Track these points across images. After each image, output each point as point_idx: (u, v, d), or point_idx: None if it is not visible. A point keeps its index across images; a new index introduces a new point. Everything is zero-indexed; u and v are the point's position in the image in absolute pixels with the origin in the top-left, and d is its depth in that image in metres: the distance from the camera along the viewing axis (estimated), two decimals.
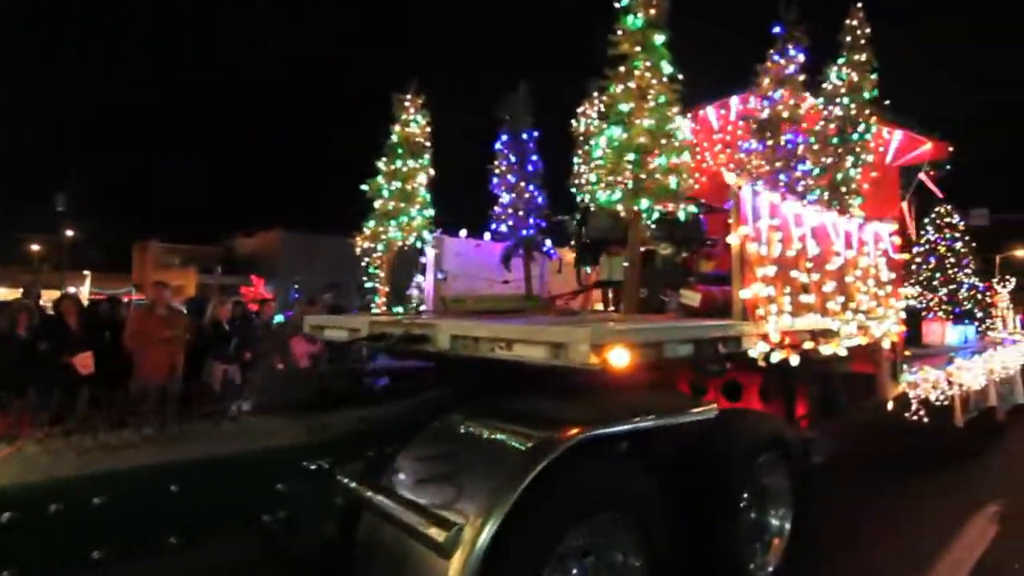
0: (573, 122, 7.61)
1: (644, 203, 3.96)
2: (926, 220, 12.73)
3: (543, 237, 7.09)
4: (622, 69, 4.11)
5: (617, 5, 4.14)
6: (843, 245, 5.35)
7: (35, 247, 45.75)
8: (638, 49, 4.09)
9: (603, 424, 3.18)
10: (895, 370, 6.45)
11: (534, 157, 7.00)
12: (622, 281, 5.38)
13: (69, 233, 43.11)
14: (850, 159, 6.24)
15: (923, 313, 12.08)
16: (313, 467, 3.34)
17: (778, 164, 5.71)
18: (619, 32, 4.18)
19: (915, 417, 6.78)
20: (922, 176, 6.32)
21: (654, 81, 4.05)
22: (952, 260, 12.32)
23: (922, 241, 12.68)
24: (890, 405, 6.52)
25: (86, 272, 44.75)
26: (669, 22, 4.10)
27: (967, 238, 12.45)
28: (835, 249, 5.21)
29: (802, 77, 5.94)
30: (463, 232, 7.13)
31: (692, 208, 4.48)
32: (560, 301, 6.56)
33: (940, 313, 12.09)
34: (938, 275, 12.35)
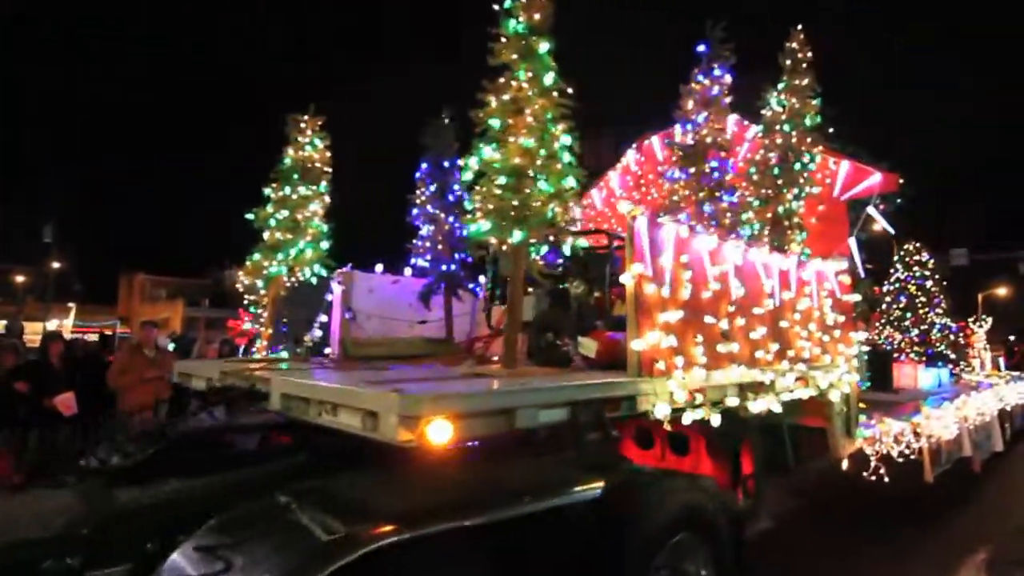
0: None
1: (517, 235, 3.27)
2: (895, 258, 12.10)
3: (467, 272, 6.36)
4: (501, 80, 3.47)
5: (496, 7, 3.51)
6: (778, 285, 4.64)
7: (19, 278, 44.81)
8: (517, 57, 3.45)
9: (418, 524, 2.39)
10: (849, 424, 5.67)
11: (456, 186, 6.32)
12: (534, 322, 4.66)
13: (55, 265, 42.32)
14: (793, 191, 5.59)
15: (894, 355, 11.35)
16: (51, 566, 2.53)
17: (702, 194, 5.06)
18: (501, 39, 3.55)
19: (874, 477, 5.97)
20: (871, 210, 5.70)
21: (531, 93, 3.39)
22: (923, 299, 11.63)
23: (892, 280, 12.03)
24: (844, 464, 5.73)
25: (71, 304, 43.78)
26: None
27: (937, 276, 11.79)
28: (767, 290, 4.49)
29: (728, 99, 5.34)
30: (379, 267, 6.40)
31: (581, 243, 3.79)
32: (479, 344, 5.80)
33: (912, 355, 11.34)
34: (909, 315, 11.65)
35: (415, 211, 6.37)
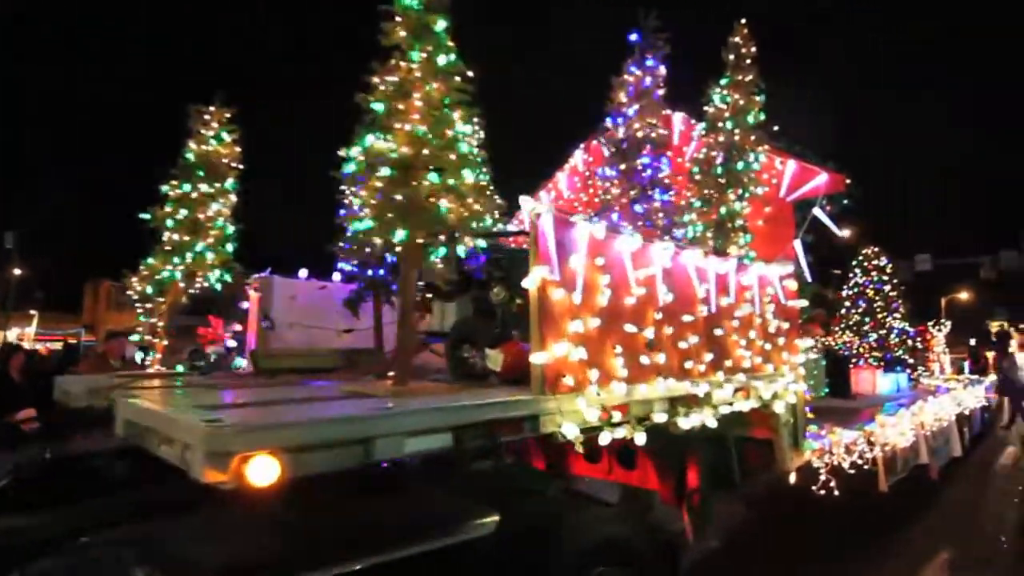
0: None
1: (400, 233, 2.85)
2: (854, 263, 11.92)
3: (396, 277, 5.91)
4: (392, 62, 3.04)
5: None
6: (714, 290, 4.28)
7: None
8: (409, 36, 3.03)
9: None
10: (796, 436, 5.33)
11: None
12: (453, 331, 4.23)
13: (16, 272, 40.77)
14: (737, 191, 5.25)
15: (852, 361, 11.14)
16: None
17: (633, 192, 4.69)
18: (395, 18, 3.13)
19: (823, 491, 5.64)
20: (817, 211, 5.41)
21: (423, 75, 2.97)
22: (881, 304, 11.46)
23: (851, 284, 11.84)
24: (792, 477, 5.38)
25: (32, 312, 42.19)
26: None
27: (896, 280, 11.63)
28: (701, 295, 4.13)
29: (662, 91, 4.99)
30: (302, 272, 5.91)
31: (480, 243, 3.37)
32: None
33: (871, 360, 11.14)
34: (868, 320, 11.46)
35: (342, 211, 5.91)
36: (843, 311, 11.85)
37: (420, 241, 2.91)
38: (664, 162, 4.92)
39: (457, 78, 3.14)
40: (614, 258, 3.43)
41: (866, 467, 6.75)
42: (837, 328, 11.88)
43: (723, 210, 5.17)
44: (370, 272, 5.77)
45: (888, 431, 7.45)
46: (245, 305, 5.47)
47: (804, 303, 5.41)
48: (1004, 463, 12.07)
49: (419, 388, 3.02)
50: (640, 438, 3.42)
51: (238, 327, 5.47)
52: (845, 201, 5.52)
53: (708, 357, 4.14)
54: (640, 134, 4.74)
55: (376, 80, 2.99)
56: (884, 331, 11.32)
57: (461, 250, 3.18)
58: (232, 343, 5.48)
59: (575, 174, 7.31)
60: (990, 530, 7.56)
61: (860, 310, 11.58)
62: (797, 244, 5.35)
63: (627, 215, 4.54)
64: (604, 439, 3.26)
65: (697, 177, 5.32)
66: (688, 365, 3.89)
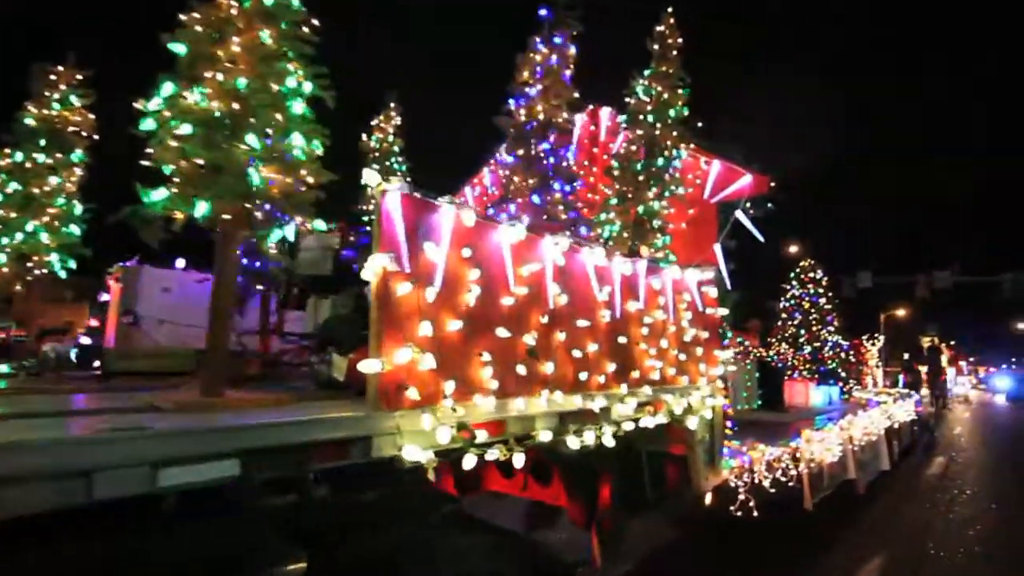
0: (364, 136, 5.96)
1: (202, 207, 2.27)
2: (791, 275, 11.79)
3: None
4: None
5: None
6: (619, 294, 3.82)
7: None
8: None
9: None
10: (713, 453, 4.92)
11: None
12: (330, 332, 3.64)
13: None
14: (655, 188, 4.82)
15: (787, 373, 10.98)
16: None
17: (531, 181, 4.20)
18: None
19: (740, 512, 5.25)
20: (739, 214, 5.07)
21: (239, 14, 2.39)
22: (816, 316, 11.34)
23: (787, 296, 11.71)
24: (708, 497, 4.97)
25: None
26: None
27: (831, 294, 11.54)
28: (602, 298, 3.65)
29: (569, 71, 4.54)
30: (180, 262, 5.20)
31: (319, 225, 2.80)
32: (288, 355, 4.70)
33: (805, 373, 10.98)
34: (803, 332, 11.32)
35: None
36: (779, 323, 11.69)
37: (227, 217, 2.33)
38: (570, 151, 4.46)
39: (303, 28, 2.58)
40: (490, 251, 2.91)
41: (790, 484, 6.44)
42: (774, 339, 11.71)
43: (641, 209, 4.73)
44: (257, 264, 5.11)
45: (815, 447, 7.18)
46: (105, 297, 4.75)
47: (724, 312, 5.02)
48: (933, 472, 12.19)
49: (227, 400, 2.43)
50: (518, 459, 2.91)
51: (94, 322, 4.75)
52: (769, 204, 5.19)
53: (610, 367, 3.67)
54: (542, 117, 4.26)
55: (186, 18, 2.40)
56: (819, 344, 11.20)
57: (290, 232, 2.61)
58: (86, 340, 4.75)
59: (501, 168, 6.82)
60: (918, 538, 7.46)
61: (796, 322, 11.44)
62: (717, 248, 4.99)
63: (526, 207, 4.05)
64: (468, 463, 2.73)
65: (616, 173, 4.88)
66: (584, 377, 3.40)
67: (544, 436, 3.16)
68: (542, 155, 4.21)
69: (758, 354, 9.60)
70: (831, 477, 7.93)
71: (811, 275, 11.60)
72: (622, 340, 3.77)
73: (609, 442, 3.57)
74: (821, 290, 11.53)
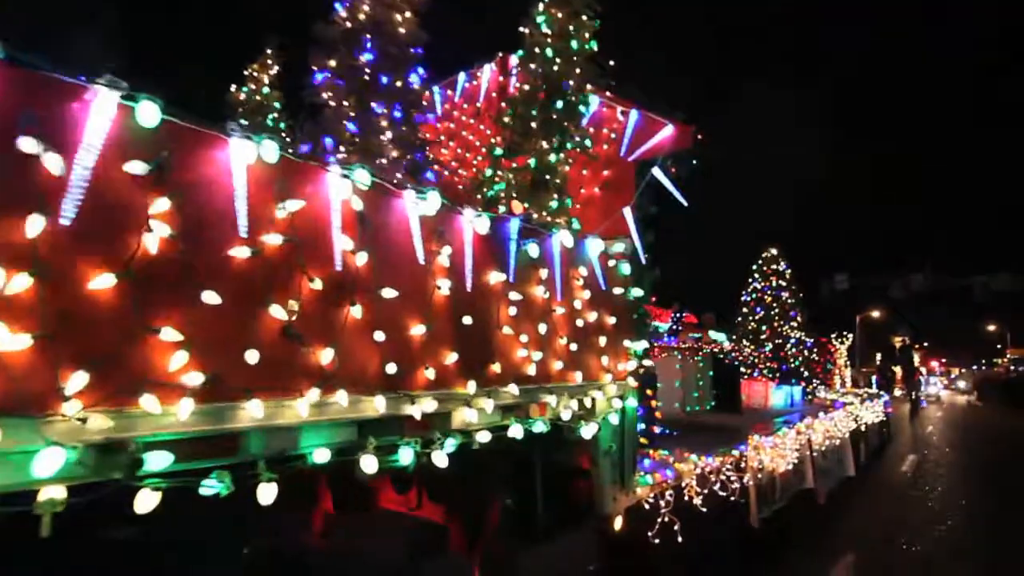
0: (233, 86, 4.89)
1: None
2: (753, 267, 10.85)
3: None
4: None
5: None
6: (470, 261, 2.78)
7: None
8: None
9: None
10: (623, 469, 3.91)
11: None
12: None
13: None
14: (554, 138, 3.81)
15: (747, 372, 10.03)
16: None
17: (347, 103, 3.14)
18: None
19: (658, 539, 4.22)
20: (657, 172, 4.07)
21: None
22: (779, 311, 10.40)
23: (749, 290, 10.76)
24: (618, 522, 3.95)
25: None
26: None
27: (794, 287, 10.61)
28: (440, 265, 2.62)
29: None
30: None
31: None
32: None
33: (766, 372, 10.03)
34: (764, 328, 10.38)
35: None
36: (739, 318, 10.75)
37: None
38: (415, 75, 3.40)
39: None
40: (203, 175, 1.86)
41: (732, 499, 5.45)
42: (734, 335, 10.77)
43: (532, 161, 3.70)
44: None
45: (765, 454, 6.21)
46: None
47: (639, 293, 4.01)
48: (904, 470, 11.83)
49: None
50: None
51: None
52: (694, 161, 4.21)
53: (449, 358, 2.63)
54: (363, 16, 3.18)
55: None
56: (780, 341, 10.26)
57: None
58: None
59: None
60: (891, 536, 7.20)
61: (757, 317, 10.50)
62: (628, 214, 3.98)
63: (335, 131, 3.00)
64: (146, 505, 1.69)
65: (507, 119, 3.85)
66: (394, 370, 2.36)
67: (320, 455, 2.12)
68: (359, 63, 3.11)
69: (711, 351, 8.64)
70: (785, 488, 6.98)
71: (774, 267, 10.66)
72: (471, 322, 2.74)
73: (441, 461, 2.54)
74: (784, 283, 10.59)
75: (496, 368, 2.88)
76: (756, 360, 10.12)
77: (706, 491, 4.93)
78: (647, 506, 4.17)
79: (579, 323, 3.47)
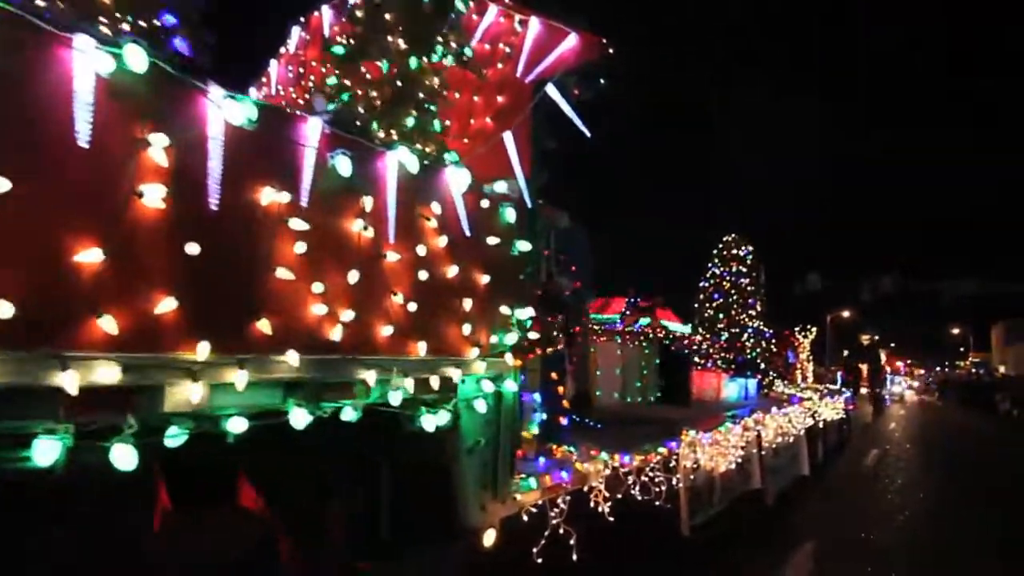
0: None
1: None
2: (713, 251, 10.03)
3: None
4: None
5: None
6: (217, 171, 1.84)
7: None
8: None
9: None
10: (496, 471, 3.01)
11: None
12: None
13: None
14: (419, 45, 2.86)
15: (700, 363, 9.23)
16: None
17: None
18: None
19: (541, 558, 3.34)
20: (553, 91, 3.16)
21: None
22: (737, 298, 9.60)
23: (707, 275, 9.95)
24: (490, 537, 3.05)
25: None
26: None
27: (755, 274, 9.82)
28: (154, 166, 1.67)
29: None
30: None
31: None
32: None
33: (720, 363, 9.24)
34: (722, 316, 9.58)
35: None
36: (695, 304, 9.95)
37: None
38: None
39: None
40: None
41: (659, 503, 4.61)
42: (692, 325, 9.97)
43: (383, 64, 2.75)
44: None
45: (700, 453, 5.38)
46: None
47: (526, 247, 3.09)
48: (868, 464, 11.53)
49: None
50: None
51: None
52: (602, 81, 3.33)
53: (163, 305, 1.69)
54: None
55: None
56: (737, 330, 9.46)
57: None
58: None
59: (290, 61, 4.78)
60: (851, 525, 7.01)
61: (714, 304, 9.70)
62: (509, 142, 3.06)
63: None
64: None
65: (359, 14, 2.89)
66: (21, 314, 1.43)
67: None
68: None
69: (654, 336, 7.80)
70: (727, 489, 6.16)
71: (735, 252, 9.85)
72: (207, 253, 1.79)
73: (126, 459, 1.61)
74: (745, 269, 9.79)
75: (264, 327, 1.95)
76: (710, 350, 9.31)
77: (620, 496, 4.07)
78: (530, 517, 3.28)
79: (424, 277, 2.54)
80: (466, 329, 2.76)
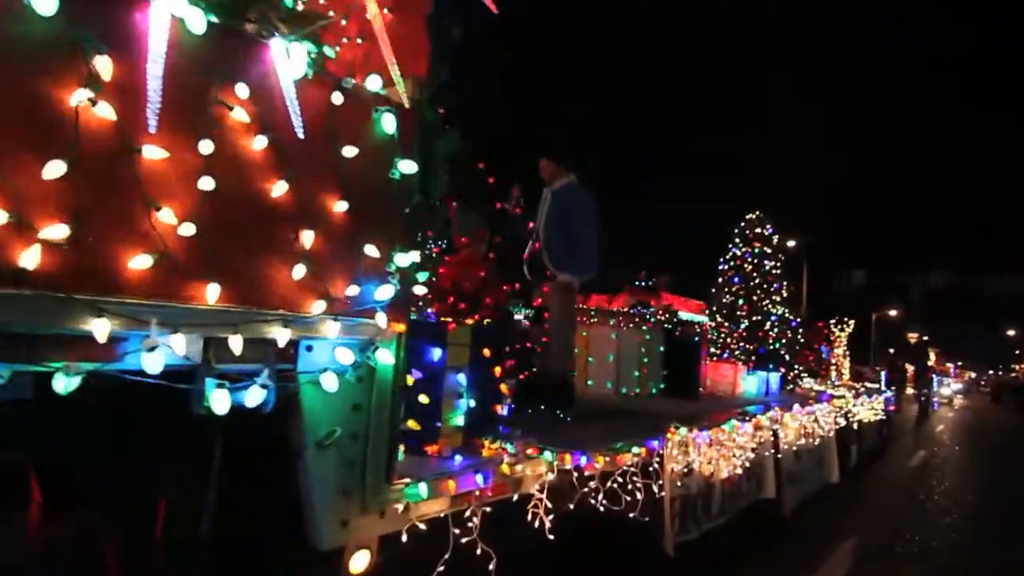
0: None
1: None
2: (735, 231, 8.93)
3: None
4: None
5: None
6: None
7: None
8: None
9: None
10: (363, 475, 2.16)
11: None
12: None
13: None
14: None
15: (716, 353, 8.18)
16: None
17: None
18: None
19: None
20: None
21: None
22: (758, 282, 8.48)
23: (727, 257, 8.85)
24: (359, 561, 2.22)
25: None
26: None
27: (781, 256, 8.68)
28: None
29: None
30: None
31: None
32: None
33: (739, 354, 8.16)
34: (742, 303, 8.48)
35: None
36: (713, 289, 8.87)
37: None
38: None
39: None
40: None
41: (632, 515, 3.69)
42: (710, 312, 8.91)
43: None
44: None
45: (694, 455, 4.40)
46: None
47: (410, 168, 2.22)
48: (912, 465, 10.95)
49: None
50: None
51: None
52: None
53: None
54: None
55: None
56: (760, 318, 8.35)
57: None
58: None
59: None
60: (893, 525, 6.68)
61: (734, 289, 8.60)
62: (373, 16, 2.21)
63: None
64: None
65: None
66: None
67: None
68: None
69: (657, 318, 6.80)
70: (731, 498, 5.16)
71: (758, 231, 8.72)
72: None
73: None
74: (769, 250, 8.66)
75: None
76: (728, 339, 8.24)
77: (572, 507, 3.17)
78: (433, 534, 2.41)
79: (209, 187, 1.70)
80: (299, 272, 1.92)
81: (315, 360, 2.07)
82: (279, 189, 1.88)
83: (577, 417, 4.59)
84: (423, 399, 2.75)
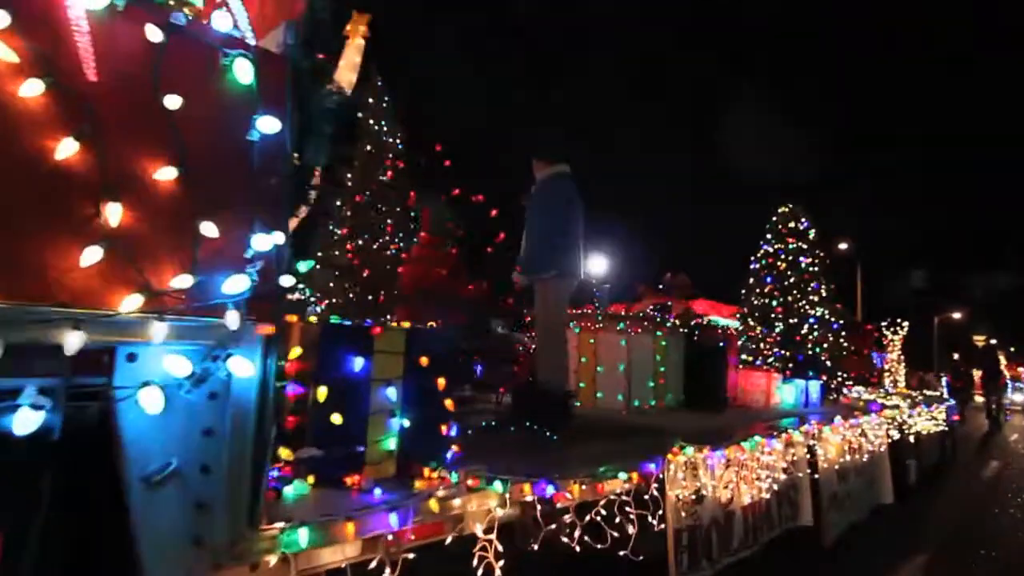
0: None
1: None
2: (767, 225, 8.13)
3: None
4: None
5: None
6: None
7: None
8: None
9: None
10: (213, 513, 1.66)
11: None
12: None
13: None
14: None
15: (748, 359, 7.36)
16: None
17: None
18: None
19: None
20: None
21: None
22: (795, 281, 7.64)
23: (759, 255, 8.04)
24: None
25: None
26: None
27: (818, 252, 7.80)
28: None
29: None
30: None
31: None
32: None
33: (773, 361, 7.33)
34: (775, 304, 7.66)
35: None
36: (743, 291, 8.07)
37: None
38: None
39: None
40: None
41: (622, 553, 3.06)
42: (741, 315, 8.10)
43: None
44: None
45: (705, 478, 3.71)
46: None
47: (272, 126, 1.73)
48: (986, 476, 9.95)
49: None
50: None
51: None
52: None
53: None
54: None
55: None
56: (796, 321, 7.50)
57: None
58: None
59: None
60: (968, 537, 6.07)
61: (766, 289, 7.78)
62: None
63: None
64: None
65: None
66: None
67: None
68: None
69: (674, 323, 6.08)
70: (755, 528, 4.42)
71: (791, 225, 7.89)
72: None
73: None
74: (806, 246, 7.81)
75: None
76: (760, 345, 7.43)
77: (535, 547, 2.58)
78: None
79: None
80: (94, 255, 1.44)
81: (140, 372, 1.59)
82: (66, 149, 1.42)
83: (575, 437, 4.01)
84: (335, 419, 2.24)
